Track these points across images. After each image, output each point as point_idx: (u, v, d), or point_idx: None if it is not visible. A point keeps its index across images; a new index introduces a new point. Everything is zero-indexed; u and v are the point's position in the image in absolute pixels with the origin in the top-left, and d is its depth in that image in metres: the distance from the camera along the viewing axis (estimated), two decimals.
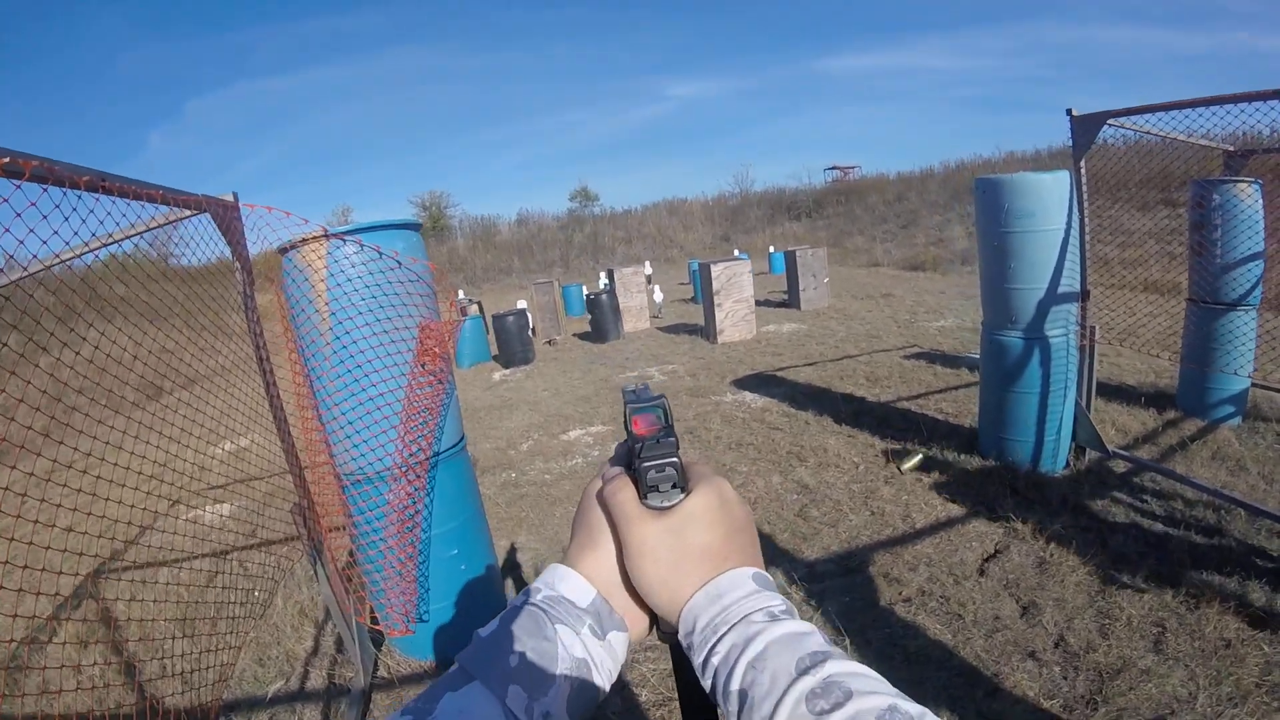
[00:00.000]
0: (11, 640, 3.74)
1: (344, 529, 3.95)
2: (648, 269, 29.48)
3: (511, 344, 13.97)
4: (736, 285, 12.81)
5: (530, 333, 14.54)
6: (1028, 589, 3.85)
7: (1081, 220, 4.98)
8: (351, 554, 3.86)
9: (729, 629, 0.54)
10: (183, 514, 6.48)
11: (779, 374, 9.73)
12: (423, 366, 3.65)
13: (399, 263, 3.50)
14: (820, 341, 11.72)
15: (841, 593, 4.11)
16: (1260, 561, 3.78)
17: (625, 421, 0.65)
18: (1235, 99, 3.80)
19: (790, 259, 16.25)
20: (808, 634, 0.52)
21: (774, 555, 4.68)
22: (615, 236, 44.48)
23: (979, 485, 5.19)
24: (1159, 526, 4.31)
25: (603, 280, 23.19)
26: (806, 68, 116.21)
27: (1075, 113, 4.86)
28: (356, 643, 3.68)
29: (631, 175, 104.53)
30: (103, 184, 2.45)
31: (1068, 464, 5.36)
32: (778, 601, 0.56)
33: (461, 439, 4.01)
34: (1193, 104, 4.08)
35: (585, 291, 20.43)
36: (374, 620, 3.91)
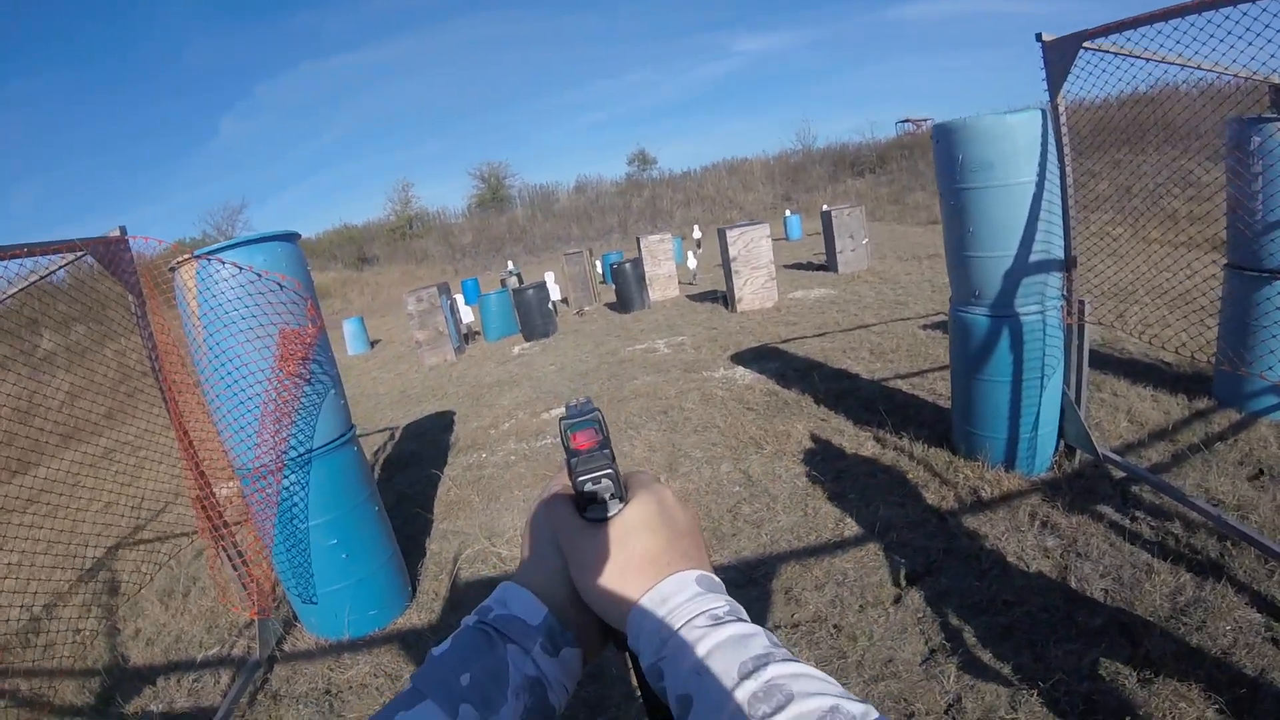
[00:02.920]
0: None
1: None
2: (697, 233, 28.83)
3: (532, 317, 13.70)
4: (754, 252, 12.11)
5: (551, 306, 14.19)
6: (945, 628, 3.23)
7: (1062, 170, 4.13)
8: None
9: (673, 634, 0.53)
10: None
11: (783, 346, 9.10)
12: (284, 371, 3.83)
13: (258, 275, 3.74)
14: (842, 309, 10.97)
15: None
16: (1260, 616, 2.98)
17: (563, 438, 0.64)
18: None
19: (826, 219, 15.35)
20: (752, 636, 0.51)
21: None
22: (674, 200, 43.82)
23: (937, 486, 4.55)
24: (1143, 556, 3.50)
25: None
26: (878, 16, 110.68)
27: (1046, 37, 4.06)
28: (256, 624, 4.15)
29: (692, 136, 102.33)
30: None
31: (1053, 466, 4.58)
32: (722, 604, 0.55)
33: (343, 434, 4.18)
34: (1188, 9, 3.03)
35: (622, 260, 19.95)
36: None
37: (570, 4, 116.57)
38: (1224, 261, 5.20)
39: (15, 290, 3.59)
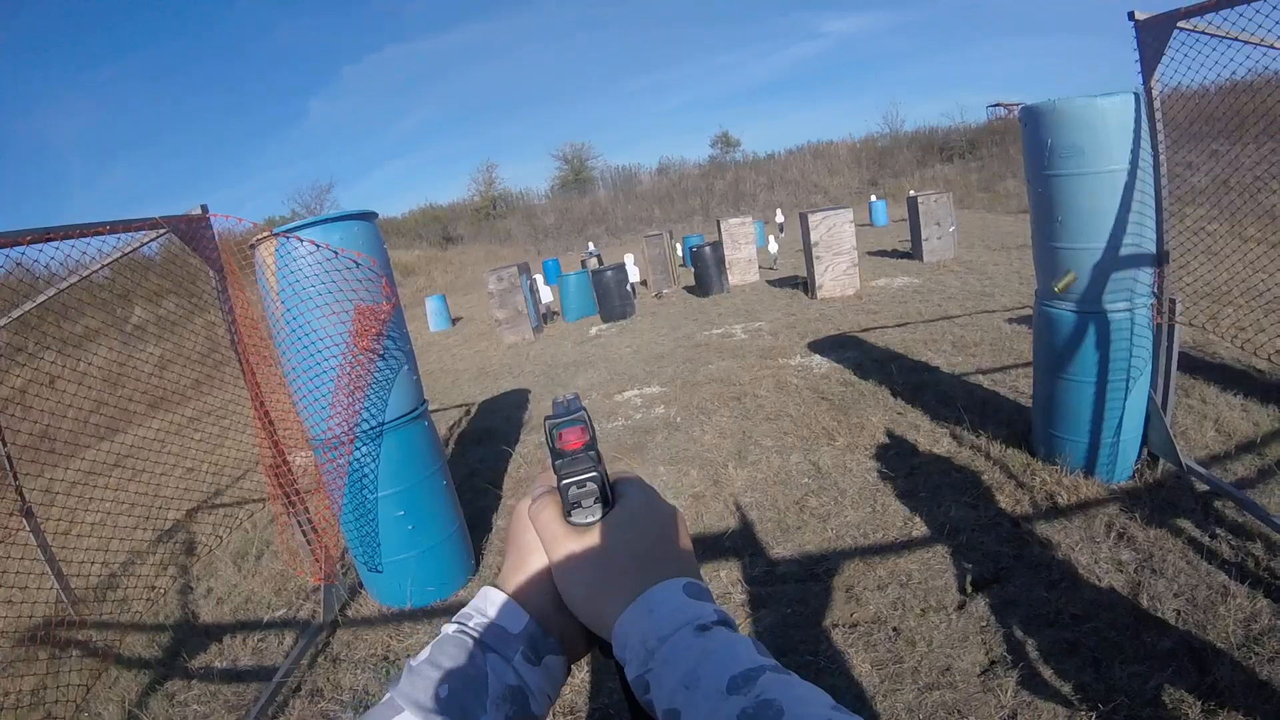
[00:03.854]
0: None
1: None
2: (780, 217, 28.46)
3: (610, 299, 13.80)
4: (836, 237, 11.88)
5: (630, 288, 14.24)
6: (1008, 639, 3.13)
7: (1156, 158, 3.87)
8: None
9: (660, 643, 0.52)
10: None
11: (862, 335, 8.93)
12: (357, 346, 3.96)
13: (335, 253, 3.86)
14: (925, 299, 10.69)
15: (787, 603, 3.58)
16: None
17: (548, 437, 0.63)
18: None
19: (912, 206, 14.94)
20: (741, 647, 0.50)
21: (745, 546, 4.24)
22: (757, 183, 43.30)
23: (1012, 489, 4.41)
24: (1220, 577, 3.29)
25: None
26: None
27: (1139, 15, 3.83)
28: (322, 589, 4.31)
29: (776, 119, 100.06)
30: (47, 236, 3.03)
31: (1135, 474, 4.35)
32: (709, 611, 0.54)
33: (415, 409, 4.30)
34: None
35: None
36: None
37: None
38: None
39: (99, 265, 3.82)
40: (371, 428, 4.02)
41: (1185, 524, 3.77)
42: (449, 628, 0.60)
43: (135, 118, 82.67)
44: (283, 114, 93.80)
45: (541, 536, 0.62)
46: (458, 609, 2.67)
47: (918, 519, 4.21)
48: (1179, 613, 3.14)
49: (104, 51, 79.48)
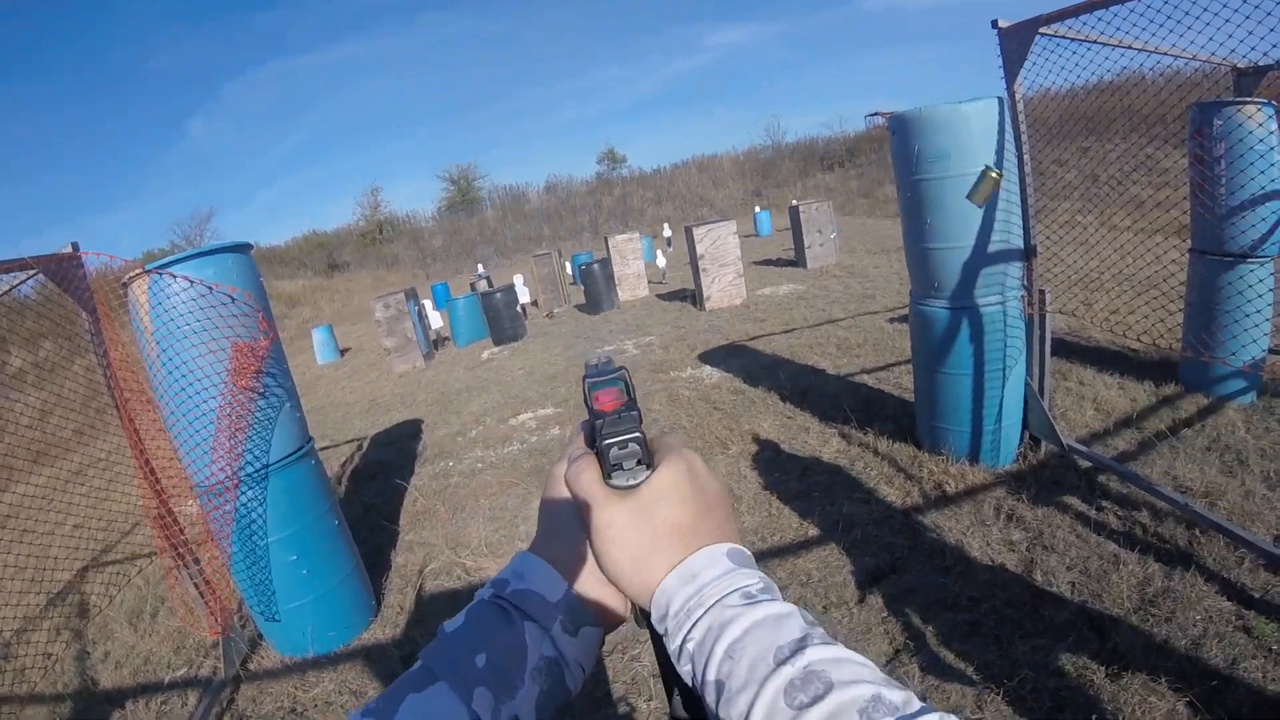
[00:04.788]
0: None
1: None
2: (667, 231, 28.81)
3: (501, 321, 13.57)
4: (721, 249, 12.06)
5: (520, 309, 14.06)
6: (909, 627, 3.18)
7: (1020, 159, 4.09)
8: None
9: (704, 612, 0.50)
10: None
11: (751, 344, 9.06)
12: (236, 385, 3.77)
13: (209, 288, 3.68)
14: (810, 305, 10.97)
15: None
16: (1230, 604, 2.94)
17: (586, 398, 0.62)
18: None
19: (795, 215, 15.34)
20: (787, 616, 0.48)
21: None
22: (645, 198, 43.78)
23: (902, 482, 4.51)
24: (1111, 547, 3.47)
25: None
26: (848, 9, 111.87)
27: (1002, 23, 4.01)
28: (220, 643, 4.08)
29: (663, 134, 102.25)
30: None
31: (1019, 458, 4.55)
32: (755, 580, 0.52)
33: (300, 448, 4.12)
34: None
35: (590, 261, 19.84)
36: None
37: (537, 1, 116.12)
38: (1188, 247, 5.21)
39: None
40: (256, 470, 3.81)
41: (1072, 500, 3.95)
42: (483, 593, 0.58)
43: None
44: (160, 137, 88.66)
45: (579, 500, 0.59)
46: (363, 654, 2.48)
47: (812, 518, 4.25)
48: (1074, 585, 3.27)
49: None
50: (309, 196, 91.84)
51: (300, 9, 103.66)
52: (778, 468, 5.05)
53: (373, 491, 6.58)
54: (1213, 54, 3.66)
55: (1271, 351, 5.00)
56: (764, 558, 3.93)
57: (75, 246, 3.70)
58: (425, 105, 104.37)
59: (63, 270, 3.62)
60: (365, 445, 8.51)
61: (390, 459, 7.57)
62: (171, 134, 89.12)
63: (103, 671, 4.60)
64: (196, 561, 3.99)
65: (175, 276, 3.60)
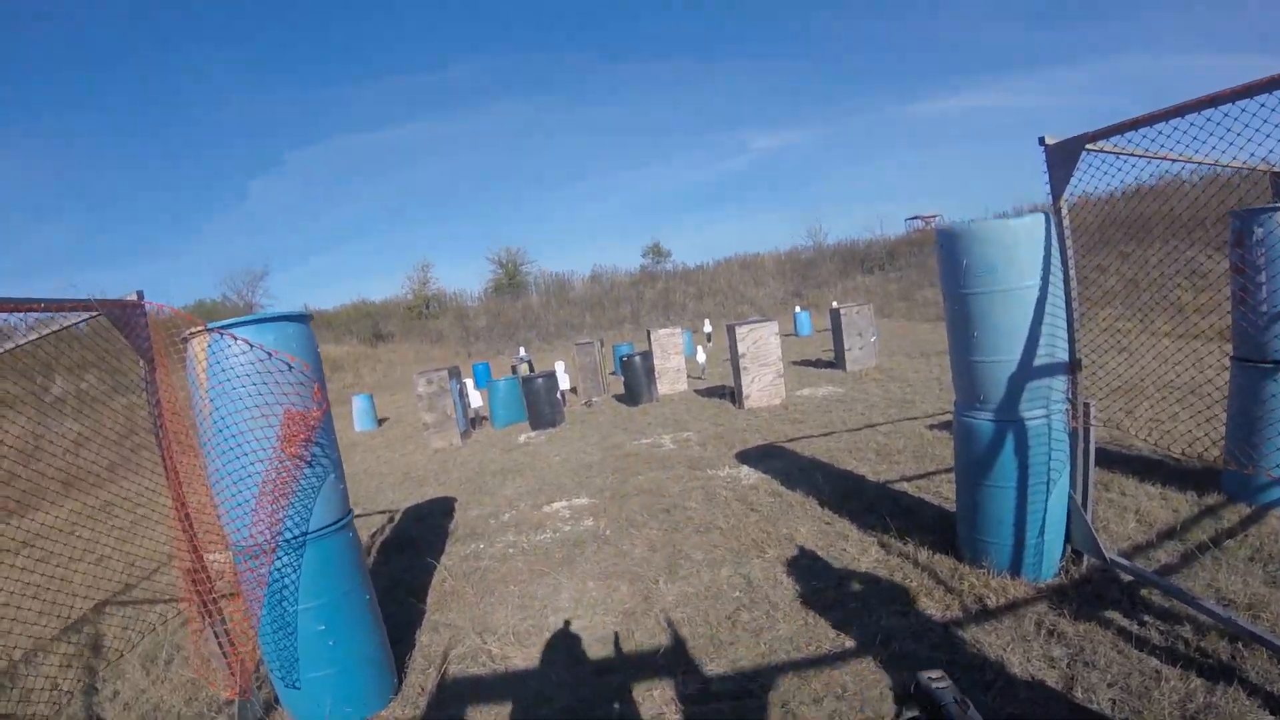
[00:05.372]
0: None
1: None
2: (707, 327, 29.02)
3: (540, 406, 13.69)
4: (763, 349, 12.15)
5: (560, 395, 14.19)
6: None
7: (1066, 274, 4.16)
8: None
9: None
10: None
11: (789, 445, 9.03)
12: (285, 452, 3.82)
13: (268, 354, 3.78)
14: (849, 408, 10.95)
15: None
16: (1272, 718, 2.87)
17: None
18: (1239, 94, 2.88)
19: (835, 317, 15.47)
20: None
21: (678, 663, 4.09)
22: (686, 292, 44.28)
23: (942, 595, 4.42)
24: (1152, 662, 3.39)
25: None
26: (888, 113, 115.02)
27: (1049, 139, 4.13)
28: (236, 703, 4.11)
29: (706, 230, 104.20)
30: None
31: (1061, 571, 4.45)
32: None
33: (340, 519, 4.13)
34: (1191, 107, 3.15)
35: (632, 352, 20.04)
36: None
37: (592, 96, 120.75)
38: (1230, 354, 5.18)
39: (28, 340, 3.78)
40: (294, 537, 3.85)
41: (1114, 615, 3.86)
42: None
43: (73, 181, 79.80)
44: (223, 191, 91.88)
45: None
46: None
47: (850, 629, 4.15)
48: (1114, 701, 3.19)
49: (48, 105, 77.19)
50: (360, 266, 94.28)
51: (368, 90, 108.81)
52: (815, 575, 4.97)
53: (401, 566, 6.58)
54: (1249, 158, 3.72)
55: None
56: (800, 668, 3.84)
57: (140, 295, 3.85)
58: (479, 188, 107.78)
59: (126, 316, 3.76)
60: (397, 518, 8.55)
61: (421, 535, 7.58)
62: (233, 190, 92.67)
63: (110, 710, 4.61)
64: (222, 619, 4.00)
65: (236, 338, 3.73)
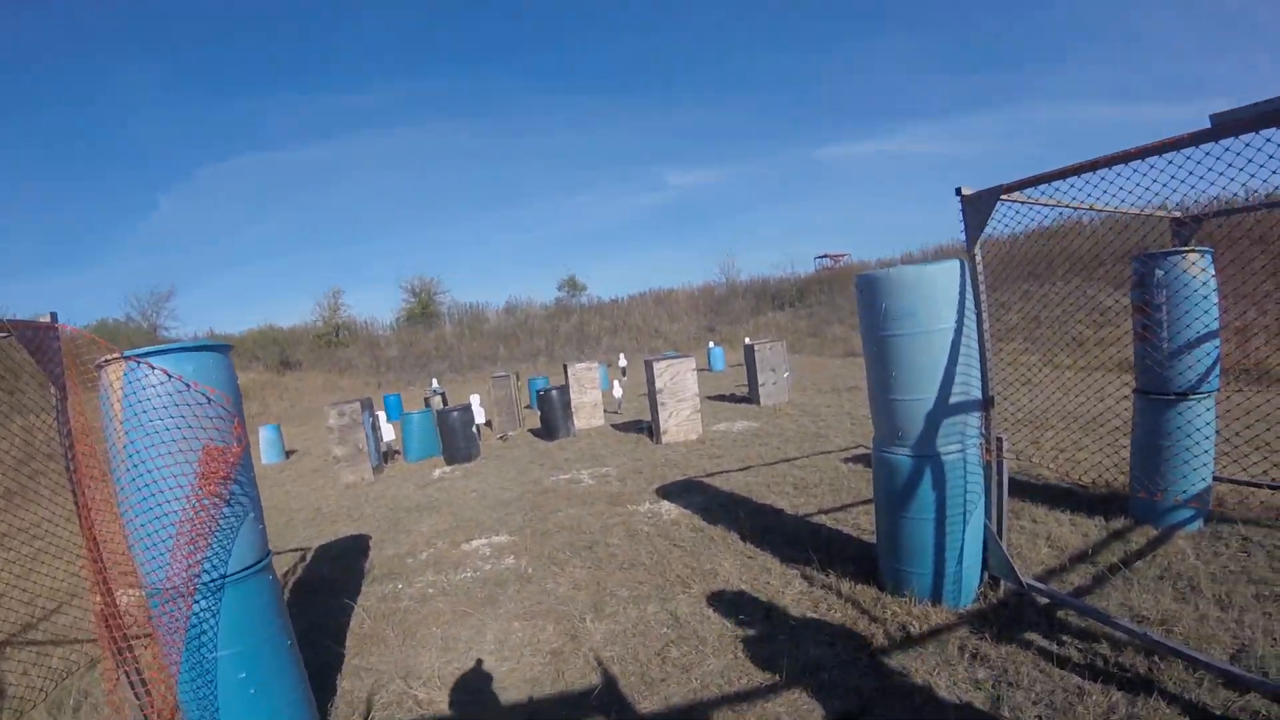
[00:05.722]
0: None
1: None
2: (623, 361, 29.16)
3: (455, 440, 13.42)
4: (680, 384, 12.29)
5: (475, 429, 13.97)
6: None
7: (979, 316, 4.44)
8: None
9: None
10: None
11: (709, 480, 9.13)
12: (204, 490, 3.65)
13: (187, 385, 3.60)
14: (765, 442, 11.16)
15: None
16: None
17: None
18: (1148, 151, 3.23)
19: (749, 353, 15.80)
20: None
21: (610, 703, 4.05)
22: (601, 326, 44.46)
23: (866, 624, 4.53)
24: (1074, 679, 3.58)
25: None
26: (802, 155, 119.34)
27: (965, 190, 4.39)
28: None
29: (621, 263, 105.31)
30: None
31: (979, 597, 4.65)
32: None
33: (259, 561, 3.94)
34: (1102, 164, 3.48)
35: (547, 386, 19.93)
36: None
37: (511, 124, 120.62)
38: (1132, 388, 5.53)
39: None
40: (213, 580, 3.65)
41: (1033, 636, 4.06)
42: None
43: None
44: (127, 204, 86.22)
45: None
46: None
47: (780, 660, 4.20)
48: (1040, 718, 3.34)
49: None
50: (269, 289, 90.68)
51: (282, 106, 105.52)
52: (741, 609, 5.02)
53: (317, 608, 6.32)
54: (1149, 203, 4.06)
55: (1216, 479, 5.28)
56: (733, 702, 3.86)
57: (54, 316, 3.67)
58: (392, 214, 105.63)
59: (38, 339, 3.57)
60: (309, 557, 8.22)
61: (336, 575, 7.30)
62: (139, 205, 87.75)
63: None
64: (138, 666, 3.75)
65: (154, 368, 3.56)
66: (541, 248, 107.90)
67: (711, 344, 30.88)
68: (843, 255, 49.87)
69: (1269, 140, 2.84)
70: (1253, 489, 5.69)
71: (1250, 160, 2.97)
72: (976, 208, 4.33)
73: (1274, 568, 4.53)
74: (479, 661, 4.84)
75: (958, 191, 4.39)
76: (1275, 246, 5.66)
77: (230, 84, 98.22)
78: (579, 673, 4.49)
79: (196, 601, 3.62)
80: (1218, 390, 5.24)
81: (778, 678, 4.05)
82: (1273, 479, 5.52)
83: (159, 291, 47.52)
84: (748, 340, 18.34)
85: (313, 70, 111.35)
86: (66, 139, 79.54)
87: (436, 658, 4.98)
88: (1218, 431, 5.30)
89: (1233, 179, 3.08)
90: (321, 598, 6.60)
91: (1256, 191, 3.02)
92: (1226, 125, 2.90)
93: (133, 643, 3.73)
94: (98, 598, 3.67)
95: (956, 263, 4.39)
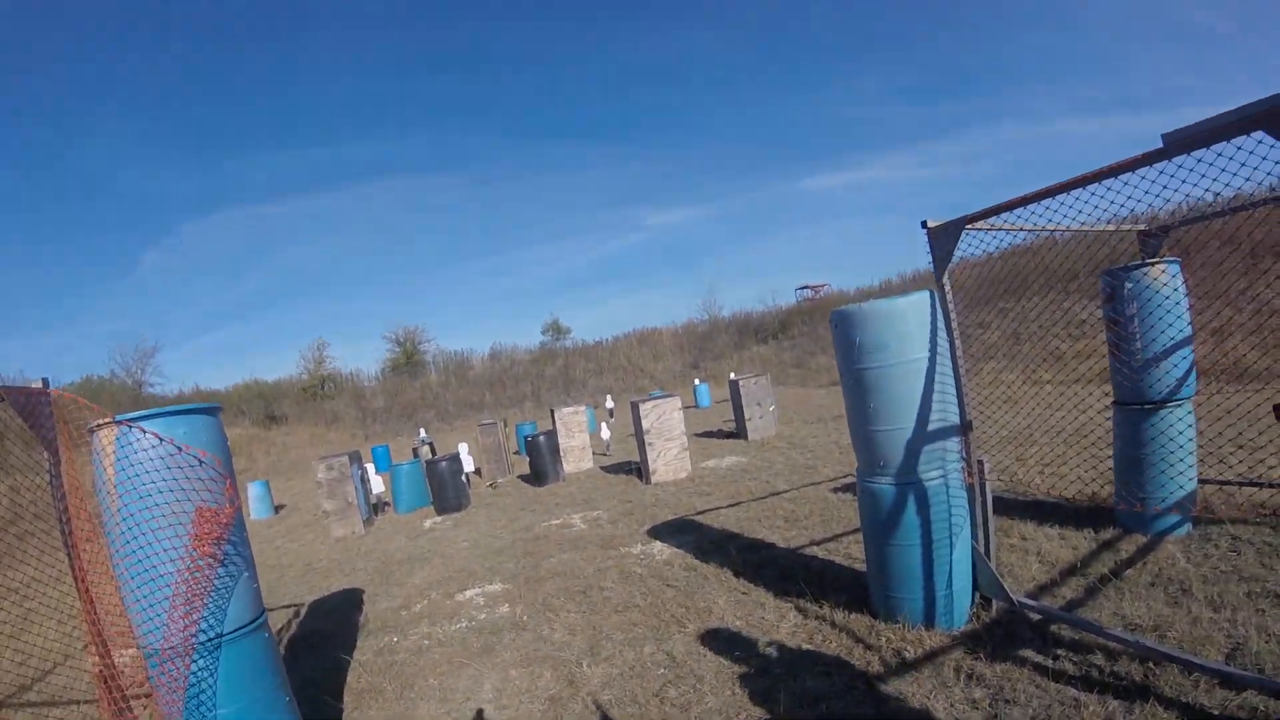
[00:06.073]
0: None
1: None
2: (609, 403, 29.19)
3: (444, 490, 13.40)
4: (667, 424, 12.37)
5: (465, 478, 13.95)
6: None
7: (951, 344, 4.56)
8: None
9: None
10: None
11: (699, 518, 9.16)
12: (198, 551, 3.70)
13: (179, 448, 3.67)
14: (754, 477, 11.23)
15: None
16: None
17: None
18: (1103, 174, 3.34)
19: (735, 389, 15.91)
20: None
21: None
22: (586, 369, 44.53)
23: (862, 652, 4.57)
24: (1070, 692, 3.63)
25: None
26: (779, 190, 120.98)
27: (931, 223, 4.52)
28: None
29: (604, 306, 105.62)
30: None
31: (972, 618, 4.70)
32: None
33: (255, 619, 4.01)
34: (1059, 189, 3.61)
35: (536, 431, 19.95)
36: None
37: (489, 173, 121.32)
38: (1111, 400, 5.64)
39: None
40: (210, 639, 3.70)
41: (1027, 653, 4.12)
42: None
43: None
44: (111, 260, 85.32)
45: None
46: None
47: (778, 694, 4.23)
48: None
49: None
50: (253, 344, 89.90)
51: (262, 163, 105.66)
52: (737, 645, 5.05)
53: (312, 664, 6.28)
54: (1115, 216, 4.20)
55: (1201, 482, 5.37)
56: None
57: (45, 382, 3.74)
58: (375, 266, 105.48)
59: (30, 404, 3.62)
60: (303, 612, 8.18)
61: (330, 629, 7.26)
62: (122, 262, 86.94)
63: None
64: None
65: (146, 431, 3.62)
66: (524, 293, 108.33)
67: (697, 380, 31.04)
68: (823, 285, 50.42)
69: (1220, 155, 2.99)
70: (1237, 488, 5.82)
71: (1203, 175, 3.11)
72: (943, 239, 4.47)
73: (1264, 564, 4.65)
74: (479, 711, 4.83)
75: (923, 224, 4.53)
76: (1245, 247, 5.82)
77: (208, 139, 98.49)
78: (578, 717, 4.49)
79: (194, 661, 3.65)
80: (1195, 394, 5.37)
81: (777, 711, 4.08)
82: (1256, 476, 5.65)
83: (144, 348, 47.08)
84: (733, 375, 18.48)
85: (288, 125, 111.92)
86: (52, 199, 79.32)
87: (435, 709, 4.97)
88: (1200, 434, 5.42)
89: (1195, 184, 3.22)
90: (317, 653, 6.56)
91: (1220, 195, 3.15)
92: (1178, 144, 3.06)
93: (132, 703, 3.74)
94: (95, 658, 3.70)
95: (926, 294, 4.53)
